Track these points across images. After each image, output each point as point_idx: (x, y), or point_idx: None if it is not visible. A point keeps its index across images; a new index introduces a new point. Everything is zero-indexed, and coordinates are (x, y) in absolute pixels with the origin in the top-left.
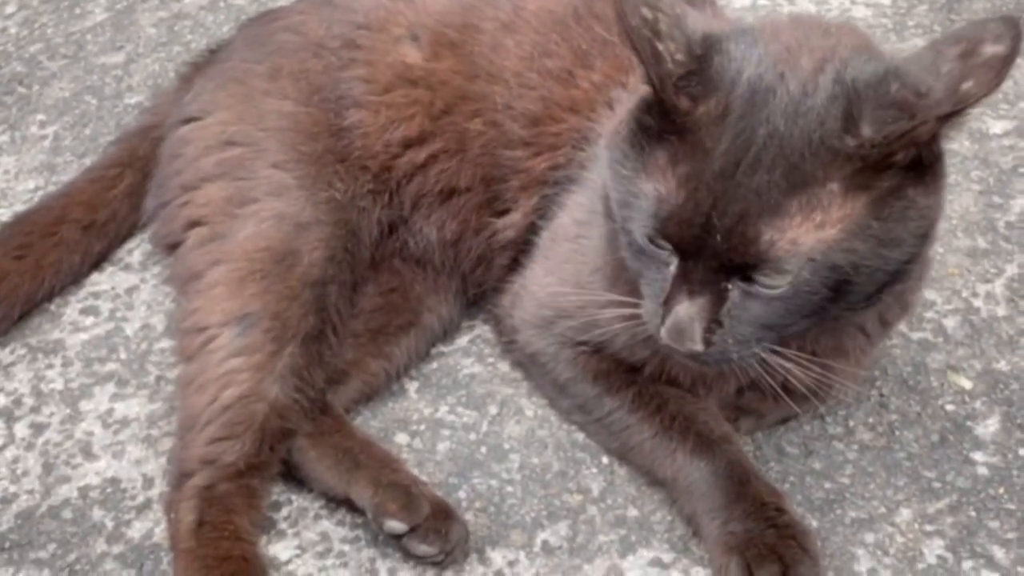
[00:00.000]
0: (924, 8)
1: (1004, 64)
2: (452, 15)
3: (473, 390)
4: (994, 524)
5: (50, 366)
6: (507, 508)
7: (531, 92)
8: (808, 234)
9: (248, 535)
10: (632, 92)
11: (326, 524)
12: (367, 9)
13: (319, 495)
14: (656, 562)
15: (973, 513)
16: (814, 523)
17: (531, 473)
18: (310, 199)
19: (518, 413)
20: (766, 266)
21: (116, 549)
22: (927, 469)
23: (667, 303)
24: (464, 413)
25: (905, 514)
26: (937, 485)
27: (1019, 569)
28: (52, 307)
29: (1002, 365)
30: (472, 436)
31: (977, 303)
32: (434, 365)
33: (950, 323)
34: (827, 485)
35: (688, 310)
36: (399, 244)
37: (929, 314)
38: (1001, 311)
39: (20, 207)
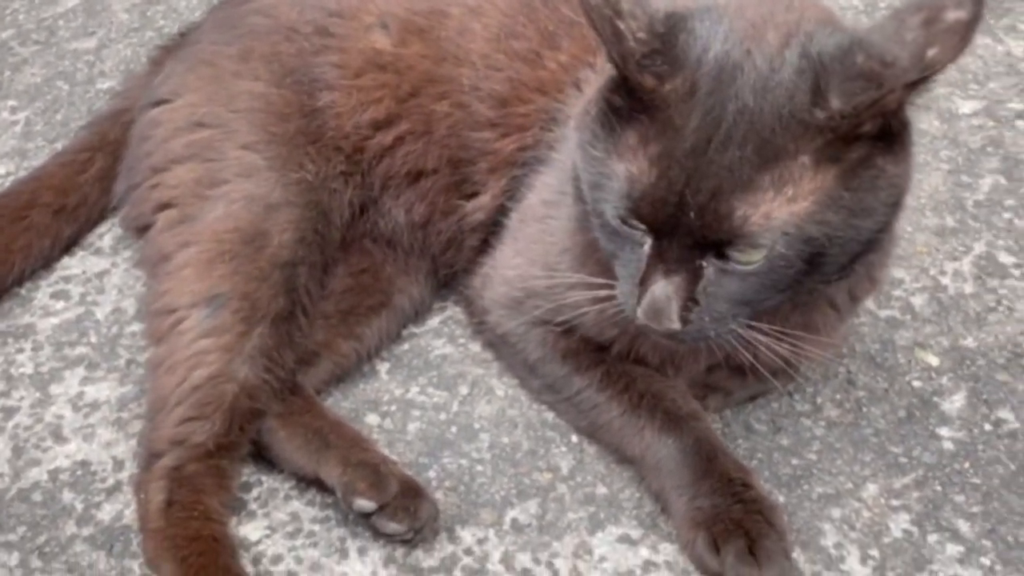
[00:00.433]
0: None
1: (967, 29)
2: (421, 2)
3: (444, 371)
4: (959, 498)
5: (20, 350)
6: (477, 487)
7: (498, 74)
8: (781, 208)
9: (217, 515)
10: (600, 73)
11: (296, 504)
12: None
13: (289, 476)
14: (625, 538)
15: (939, 487)
16: (781, 499)
17: (501, 452)
18: (280, 180)
19: (488, 393)
20: (740, 242)
21: (86, 531)
22: (893, 445)
23: (643, 283)
24: (435, 393)
25: (871, 489)
26: (903, 460)
27: (984, 542)
28: (22, 291)
29: (969, 342)
30: (443, 416)
31: (945, 281)
32: (405, 346)
33: (918, 301)
34: (794, 461)
35: (664, 289)
36: (369, 225)
37: (897, 292)
38: (968, 289)
39: None
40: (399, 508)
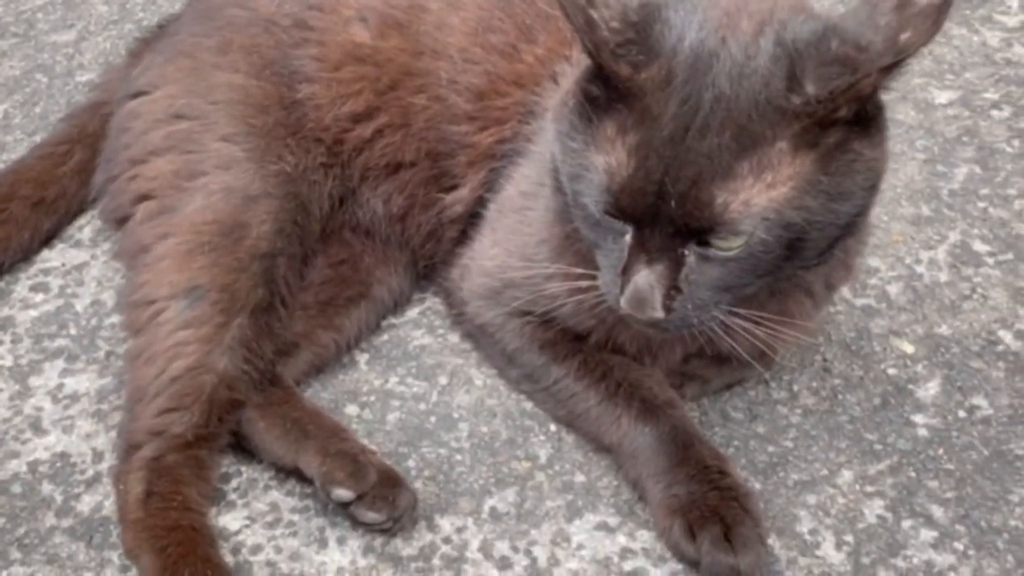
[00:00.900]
0: None
1: (939, 12)
2: None
3: (423, 361)
4: (933, 484)
5: None
6: (456, 476)
7: (476, 67)
8: (760, 194)
9: (197, 506)
10: (575, 65)
11: (275, 494)
12: None
13: (269, 466)
14: (602, 526)
15: (913, 474)
16: (757, 486)
17: (480, 441)
18: (259, 172)
19: (467, 383)
20: (721, 229)
21: (65, 523)
22: (869, 432)
23: (625, 272)
24: (414, 384)
25: (847, 476)
26: (878, 447)
27: (957, 527)
28: (2, 284)
29: (943, 330)
30: (422, 406)
31: (920, 269)
32: (384, 337)
33: (893, 289)
34: (771, 448)
35: (647, 278)
36: (349, 217)
37: (873, 281)
38: (943, 277)
39: None
40: (378, 497)
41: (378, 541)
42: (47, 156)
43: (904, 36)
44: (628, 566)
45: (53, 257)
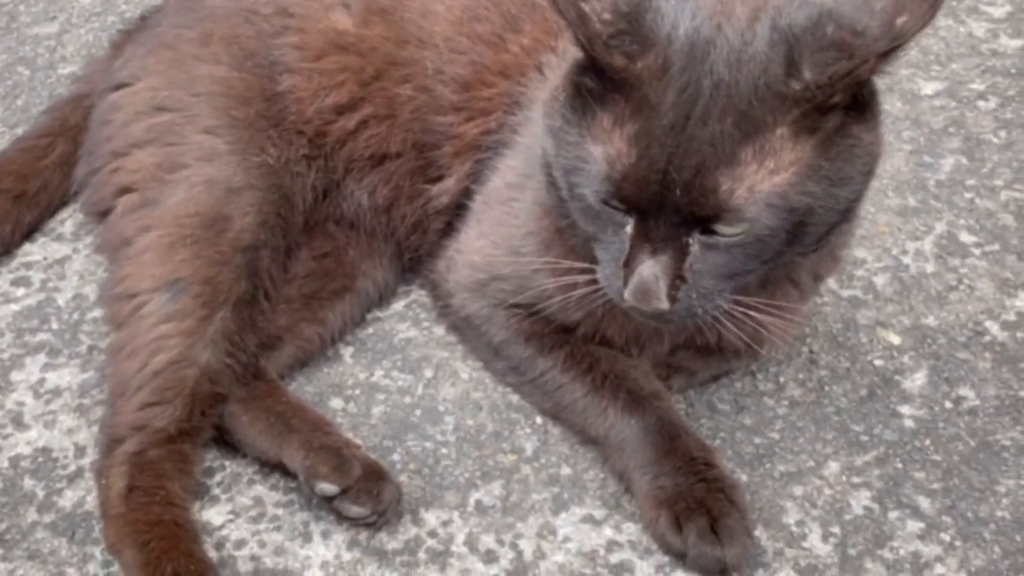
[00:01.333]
0: None
1: None
2: None
3: (408, 354)
4: (920, 475)
5: None
6: (441, 469)
7: (461, 57)
8: (764, 180)
9: (179, 500)
10: (562, 57)
11: (260, 489)
12: None
13: (252, 460)
14: (588, 519)
15: (900, 465)
16: (744, 477)
17: (465, 434)
18: (242, 164)
19: (453, 376)
20: (727, 215)
21: (47, 518)
22: (855, 423)
23: (628, 264)
24: (399, 377)
25: (833, 467)
26: (865, 438)
27: (944, 518)
28: None
29: (930, 320)
30: (407, 399)
31: (906, 260)
32: (370, 330)
33: (880, 280)
34: (757, 440)
35: (652, 268)
36: (333, 209)
37: (859, 272)
38: (930, 268)
39: None
40: (362, 491)
41: (363, 535)
42: (28, 149)
43: (900, 20)
44: (614, 559)
45: (35, 251)
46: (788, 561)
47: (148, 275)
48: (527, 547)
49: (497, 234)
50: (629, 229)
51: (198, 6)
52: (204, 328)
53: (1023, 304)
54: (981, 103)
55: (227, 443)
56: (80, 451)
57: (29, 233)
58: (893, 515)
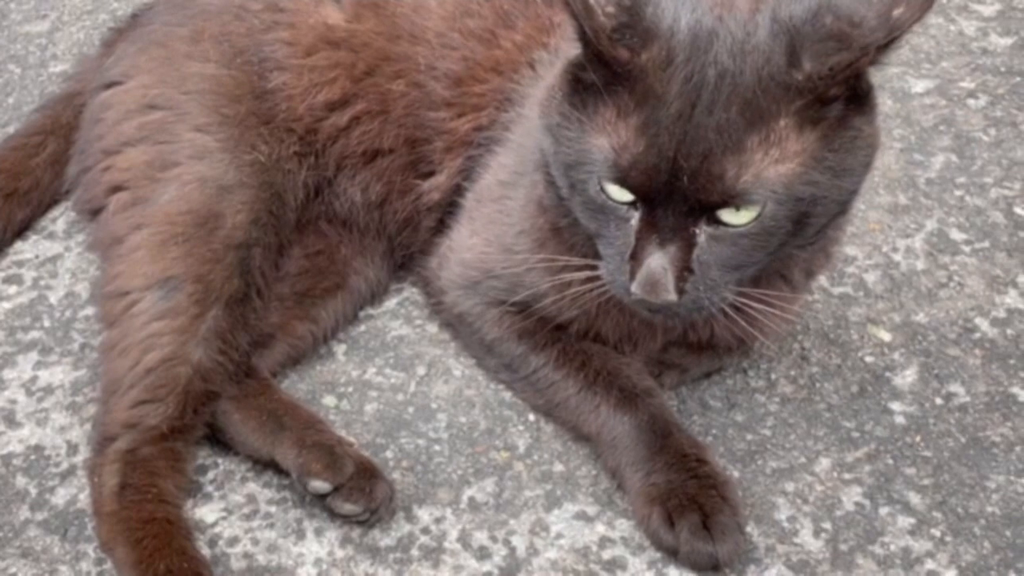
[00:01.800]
0: None
1: None
2: None
3: (401, 352)
4: (910, 471)
5: None
6: (434, 466)
7: (453, 53)
8: (769, 168)
9: (172, 498)
10: (554, 53)
11: (252, 486)
12: None
13: (245, 458)
14: (581, 515)
15: (890, 461)
16: (736, 474)
17: (458, 432)
18: (233, 162)
19: (446, 373)
20: (734, 202)
21: (40, 516)
22: (846, 419)
23: (635, 257)
24: (392, 374)
25: (824, 463)
26: (856, 435)
27: (934, 514)
28: None
29: (920, 317)
30: (400, 397)
31: (897, 258)
32: (362, 328)
33: (870, 277)
34: (749, 437)
35: (660, 260)
36: (325, 206)
37: (850, 269)
38: (920, 265)
39: None
40: (355, 489)
41: (356, 532)
42: (20, 147)
43: (897, 12)
44: (607, 555)
45: (26, 249)
46: (780, 557)
47: (140, 273)
48: (520, 544)
49: (489, 232)
50: (634, 222)
51: (189, 4)
52: (196, 326)
53: (1013, 301)
54: (971, 101)
55: (220, 441)
56: (72, 449)
57: (21, 231)
58: (884, 511)
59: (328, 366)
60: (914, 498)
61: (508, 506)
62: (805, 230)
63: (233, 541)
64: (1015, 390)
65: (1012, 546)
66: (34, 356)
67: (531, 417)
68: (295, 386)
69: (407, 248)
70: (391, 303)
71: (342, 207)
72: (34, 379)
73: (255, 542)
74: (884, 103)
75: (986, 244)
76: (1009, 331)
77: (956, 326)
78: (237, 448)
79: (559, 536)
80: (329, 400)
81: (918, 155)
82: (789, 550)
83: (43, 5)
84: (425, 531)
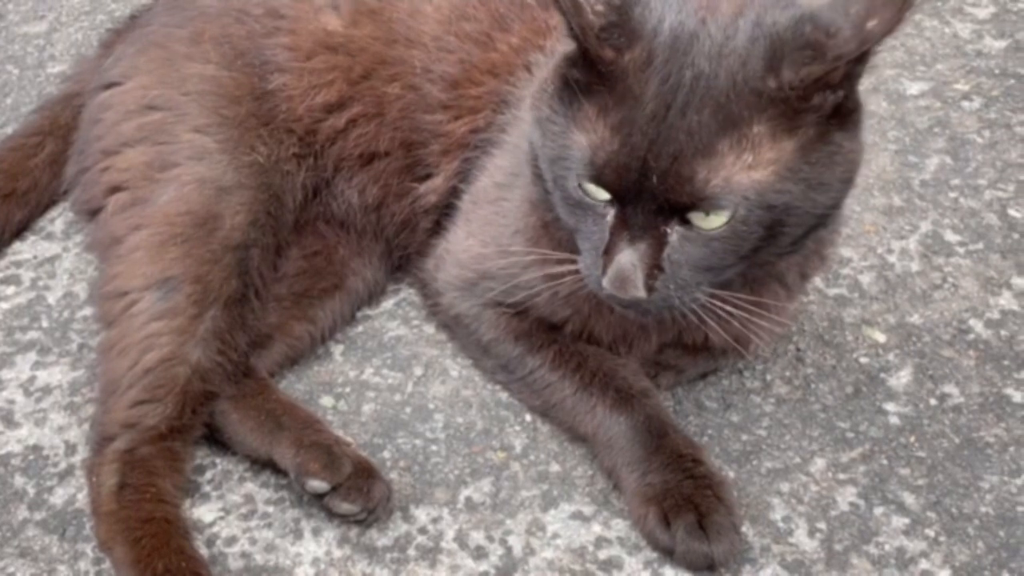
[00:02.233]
0: None
1: (904, 2)
2: None
3: (398, 352)
4: (905, 471)
5: None
6: (431, 467)
7: (450, 56)
8: (741, 173)
9: (170, 497)
10: (550, 56)
11: (250, 486)
12: None
13: (243, 458)
14: (577, 515)
15: (885, 461)
16: (731, 474)
17: (455, 432)
18: (232, 163)
19: (443, 374)
20: (703, 205)
21: (38, 516)
22: (841, 420)
23: (607, 253)
24: (389, 375)
25: (819, 463)
26: (850, 435)
27: (929, 514)
28: None
29: (915, 319)
30: (397, 397)
31: (892, 259)
32: (359, 328)
33: (865, 279)
34: (744, 437)
35: (630, 257)
36: (323, 207)
37: (845, 271)
38: (915, 266)
39: None
40: (352, 489)
41: (353, 532)
42: (18, 148)
43: (870, 24)
44: (603, 555)
45: (25, 249)
46: (775, 557)
47: (139, 273)
48: (516, 543)
49: (486, 233)
50: (609, 219)
51: (188, 5)
52: (195, 326)
53: (1007, 302)
54: (965, 103)
55: (218, 441)
56: (71, 449)
57: (19, 232)
58: (878, 511)
59: (326, 366)
60: (908, 498)
61: (505, 506)
62: (779, 239)
63: (231, 541)
64: (1009, 391)
65: (1005, 546)
66: (32, 356)
67: (528, 418)
68: (293, 386)
69: (404, 249)
70: (388, 304)
71: (340, 208)
72: (32, 379)
73: (253, 542)
74: (879, 105)
75: (980, 246)
76: (1003, 332)
77: (950, 327)
78: (235, 448)
79: (555, 536)
80: (327, 400)
81: (913, 157)
82: (784, 550)
83: (41, 6)
84: (422, 531)
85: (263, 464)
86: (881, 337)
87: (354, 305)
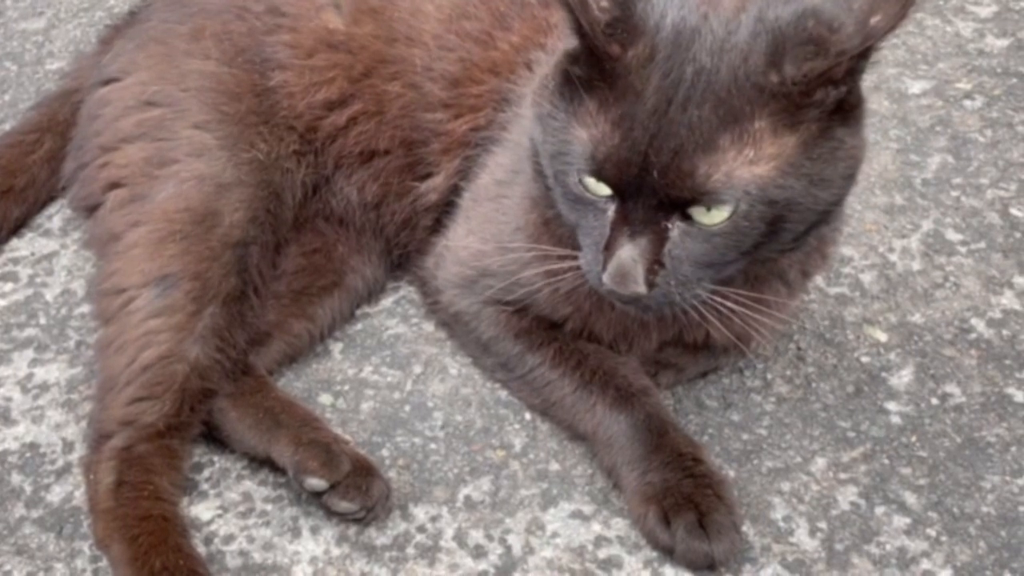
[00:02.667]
0: None
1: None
2: None
3: (398, 350)
4: (906, 471)
5: None
6: (430, 465)
7: (450, 54)
8: (742, 168)
9: (168, 495)
10: (551, 54)
11: (248, 484)
12: None
13: (241, 456)
14: (577, 514)
15: (886, 461)
16: (732, 473)
17: (454, 430)
18: (232, 160)
19: (442, 372)
20: (703, 200)
21: (35, 513)
22: (842, 419)
23: (608, 248)
24: (388, 373)
25: (820, 463)
26: (851, 435)
27: (930, 514)
28: None
29: (916, 318)
30: (396, 395)
31: (893, 258)
32: (359, 326)
33: (866, 278)
34: (745, 436)
35: (630, 252)
36: (322, 205)
37: (846, 269)
38: (916, 265)
39: None
40: (351, 487)
41: (352, 530)
42: (16, 144)
43: (874, 20)
44: (603, 554)
45: (22, 246)
46: (775, 556)
47: (137, 270)
48: (516, 542)
49: (486, 231)
50: (610, 214)
51: (189, 2)
52: (193, 324)
53: (1008, 302)
54: (967, 102)
55: (216, 439)
56: (68, 446)
57: (17, 228)
58: (880, 510)
59: (324, 364)
60: (910, 498)
61: (504, 505)
62: (781, 235)
63: (229, 539)
64: (1010, 390)
65: (1007, 546)
66: (30, 353)
67: (527, 416)
68: (291, 384)
69: (404, 247)
70: (388, 302)
71: (339, 206)
72: (30, 376)
73: (251, 540)
74: (881, 103)
75: (982, 245)
76: (1005, 332)
77: (952, 326)
78: (233, 446)
79: (555, 535)
80: (325, 398)
81: (914, 156)
82: (785, 549)
83: (39, 2)
84: (421, 529)
85: (261, 462)
86: (882, 336)
87: (353, 303)
